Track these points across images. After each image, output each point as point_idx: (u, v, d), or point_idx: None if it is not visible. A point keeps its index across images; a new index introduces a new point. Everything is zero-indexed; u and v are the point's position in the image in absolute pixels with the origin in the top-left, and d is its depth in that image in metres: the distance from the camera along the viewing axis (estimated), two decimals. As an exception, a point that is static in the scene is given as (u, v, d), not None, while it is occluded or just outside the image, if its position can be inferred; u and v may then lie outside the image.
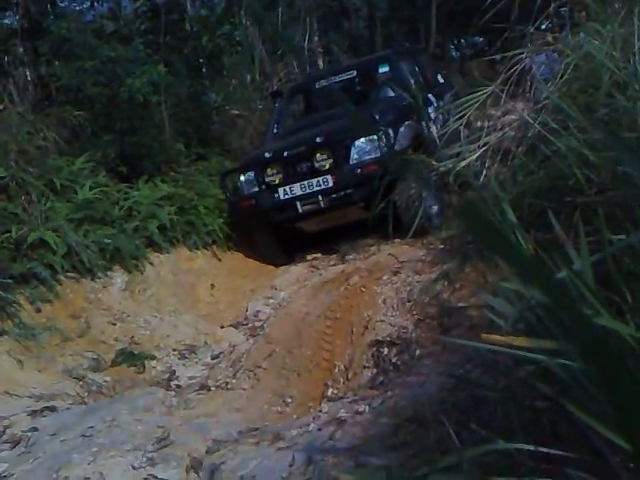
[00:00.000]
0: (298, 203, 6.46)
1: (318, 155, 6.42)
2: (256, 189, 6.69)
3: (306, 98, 8.74)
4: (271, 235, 6.92)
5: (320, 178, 6.35)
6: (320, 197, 6.37)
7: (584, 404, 1.17)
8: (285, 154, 6.61)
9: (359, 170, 6.25)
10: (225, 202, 7.10)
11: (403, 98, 6.65)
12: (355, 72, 8.02)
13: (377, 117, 6.45)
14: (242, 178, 6.83)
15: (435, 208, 6.40)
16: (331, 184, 6.33)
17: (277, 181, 6.58)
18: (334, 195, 6.36)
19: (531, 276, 0.49)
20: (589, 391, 1.18)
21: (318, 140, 6.46)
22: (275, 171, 6.61)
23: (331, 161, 6.38)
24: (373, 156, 6.30)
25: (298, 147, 6.62)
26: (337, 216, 6.59)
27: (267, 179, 6.63)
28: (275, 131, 7.84)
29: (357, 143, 6.38)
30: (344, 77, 8.01)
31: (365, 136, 6.30)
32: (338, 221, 6.68)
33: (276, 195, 6.52)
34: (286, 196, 6.49)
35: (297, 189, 6.45)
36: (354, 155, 6.38)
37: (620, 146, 0.48)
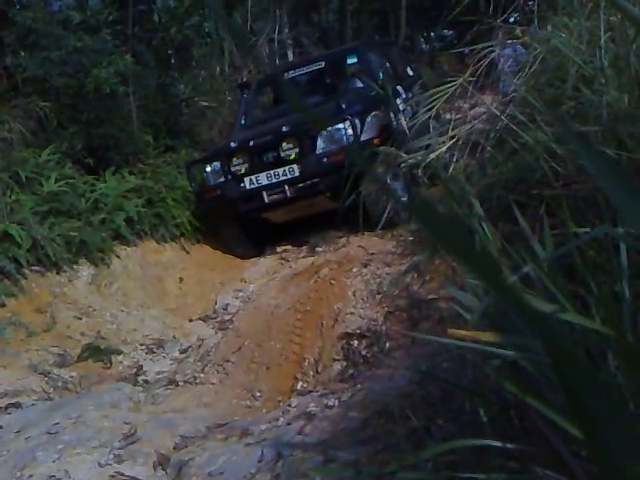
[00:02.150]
0: (264, 193, 6.43)
1: (284, 144, 6.39)
2: (222, 179, 6.65)
3: (274, 89, 8.71)
4: (238, 226, 6.89)
5: (286, 168, 6.34)
6: (286, 187, 6.35)
7: (549, 398, 1.17)
8: (251, 144, 6.57)
9: (325, 159, 6.25)
10: (192, 194, 7.04)
11: (371, 89, 6.67)
12: (323, 63, 8.01)
13: (344, 106, 6.44)
14: (208, 168, 6.77)
15: (405, 196, 6.42)
16: (297, 173, 6.33)
17: (243, 171, 6.55)
18: (300, 185, 6.35)
19: (487, 275, 0.48)
20: (554, 385, 1.18)
21: (284, 129, 6.42)
22: (241, 161, 6.57)
23: (297, 150, 6.36)
24: (339, 145, 6.28)
25: (264, 137, 6.58)
26: (304, 206, 6.57)
27: (233, 169, 6.59)
28: (243, 122, 7.80)
29: (323, 132, 6.35)
30: (312, 68, 8.00)
31: (333, 124, 6.29)
32: (305, 211, 6.67)
33: (242, 185, 6.50)
34: (252, 186, 6.46)
35: (263, 179, 6.43)
36: (320, 144, 6.37)
37: (577, 138, 0.48)
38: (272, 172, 6.39)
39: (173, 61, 9.41)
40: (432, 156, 3.14)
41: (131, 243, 6.31)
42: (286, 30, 15.64)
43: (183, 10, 9.09)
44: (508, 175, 2.45)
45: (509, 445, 1.27)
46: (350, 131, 6.27)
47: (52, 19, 8.03)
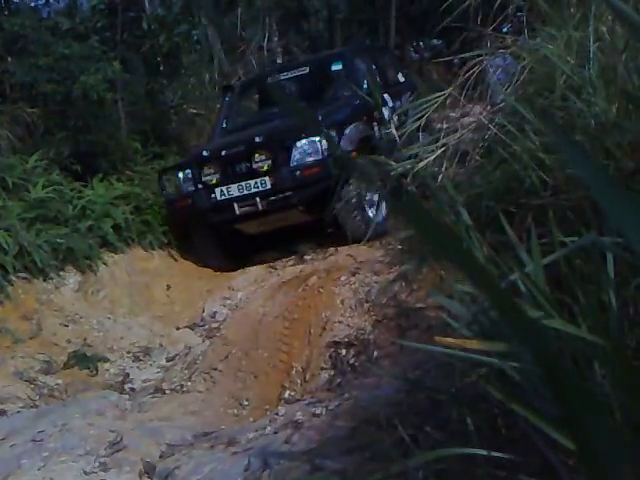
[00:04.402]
0: (235, 205, 6.24)
1: (257, 156, 6.19)
2: (193, 188, 6.44)
3: (258, 93, 8.56)
4: (211, 238, 6.66)
5: (258, 179, 6.15)
6: (258, 199, 6.16)
7: (536, 407, 1.17)
8: (223, 153, 6.38)
9: (298, 172, 6.08)
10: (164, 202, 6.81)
11: (356, 97, 6.52)
12: (308, 69, 7.74)
13: (320, 118, 6.20)
14: (180, 176, 6.54)
15: (383, 212, 6.23)
16: (269, 186, 6.13)
17: (214, 181, 6.34)
18: (272, 198, 6.16)
19: (479, 280, 0.48)
20: (542, 393, 1.18)
21: (257, 140, 6.27)
22: (212, 170, 6.37)
23: (270, 162, 6.15)
24: (314, 158, 6.10)
25: (237, 146, 6.42)
26: (277, 219, 6.40)
27: (204, 178, 6.38)
28: (224, 126, 7.59)
29: (298, 144, 6.16)
30: (296, 73, 7.75)
31: (307, 137, 6.13)
32: (279, 224, 6.50)
33: (213, 195, 6.30)
34: (223, 197, 6.27)
35: (234, 190, 6.23)
36: (295, 157, 6.17)
37: (569, 147, 0.48)
38: (244, 184, 6.19)
39: (162, 68, 9.39)
40: (421, 165, 3.15)
41: (118, 250, 6.29)
42: (276, 38, 15.70)
43: (172, 17, 9.11)
44: (496, 184, 2.47)
45: (496, 454, 1.27)
46: (325, 144, 6.08)
47: (41, 25, 8.04)
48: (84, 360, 4.90)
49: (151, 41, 8.88)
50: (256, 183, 6.15)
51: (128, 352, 5.21)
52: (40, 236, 5.63)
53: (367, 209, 6.26)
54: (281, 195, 6.14)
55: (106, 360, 5.03)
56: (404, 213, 0.47)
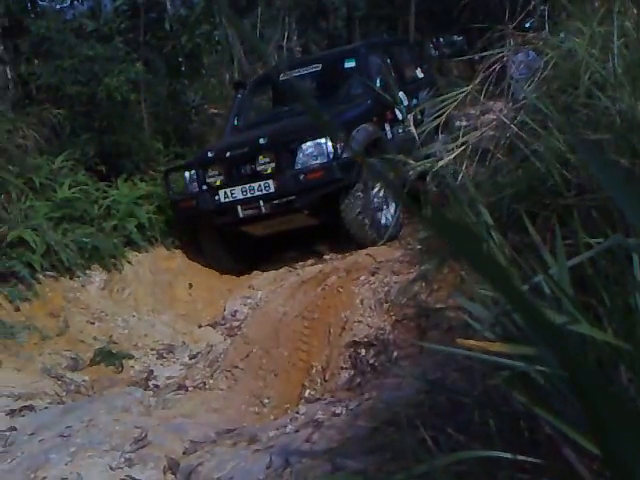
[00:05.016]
0: (239, 207, 6.09)
1: (261, 158, 6.05)
2: (197, 189, 6.33)
3: (271, 90, 8.38)
4: (217, 238, 6.51)
5: (262, 182, 5.99)
6: (261, 202, 6.01)
7: (560, 411, 1.18)
8: (227, 155, 6.25)
9: (302, 176, 5.91)
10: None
11: (368, 96, 6.44)
12: (320, 65, 7.46)
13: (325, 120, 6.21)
14: (186, 176, 6.45)
15: (393, 215, 6.21)
16: (272, 189, 5.97)
17: (218, 183, 6.21)
18: (276, 201, 6.00)
19: (500, 284, 0.49)
20: (565, 397, 1.19)
21: (261, 142, 6.12)
22: (217, 172, 6.24)
23: (274, 165, 6.00)
24: (320, 162, 5.95)
25: (241, 148, 6.27)
26: (281, 222, 6.24)
27: (208, 180, 6.26)
28: (235, 123, 7.43)
29: (303, 147, 6.01)
30: (309, 70, 7.46)
31: (312, 140, 5.99)
32: (284, 226, 6.34)
33: (216, 197, 6.15)
34: (227, 199, 6.11)
35: (238, 193, 6.07)
36: (299, 159, 6.01)
37: (584, 146, 0.49)
38: (247, 186, 6.04)
39: (183, 69, 9.47)
40: (440, 164, 3.14)
41: (142, 249, 6.38)
42: (295, 37, 15.74)
43: (194, 18, 9.17)
44: (518, 183, 2.44)
45: (519, 457, 1.27)
46: (331, 146, 5.92)
47: (65, 28, 8.14)
48: (110, 357, 4.98)
49: (173, 42, 8.96)
50: (260, 186, 6.00)
51: (152, 349, 5.29)
52: (67, 235, 5.73)
53: (375, 213, 6.14)
54: (285, 199, 6.00)
55: (131, 357, 5.11)
56: (423, 215, 0.48)
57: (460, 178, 2.94)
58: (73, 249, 5.66)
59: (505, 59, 3.25)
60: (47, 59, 7.64)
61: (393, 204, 6.28)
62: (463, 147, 3.18)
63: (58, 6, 9.12)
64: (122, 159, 7.60)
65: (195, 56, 9.22)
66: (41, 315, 5.20)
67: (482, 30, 3.53)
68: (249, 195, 6.05)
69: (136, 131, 8.04)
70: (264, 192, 6.00)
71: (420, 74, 7.95)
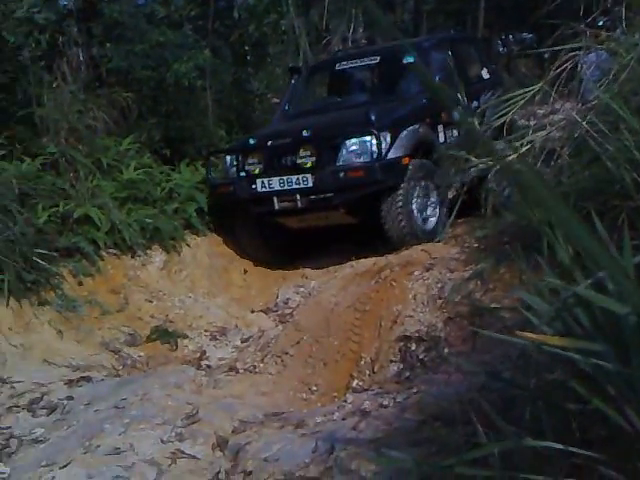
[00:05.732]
0: (275, 198, 5.97)
1: (302, 150, 5.90)
2: (236, 176, 6.25)
3: (326, 79, 8.15)
4: (253, 227, 6.40)
5: (300, 176, 5.84)
6: (298, 196, 5.88)
7: (619, 405, 1.17)
8: (269, 143, 6.13)
9: (342, 174, 5.77)
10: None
11: (424, 95, 6.19)
12: (378, 58, 7.12)
13: (373, 117, 5.84)
14: (227, 160, 6.39)
15: (435, 216, 6.11)
16: (310, 184, 5.83)
17: (257, 171, 6.11)
18: (313, 196, 5.87)
19: (585, 242, 0.51)
20: (624, 392, 1.19)
21: (305, 134, 5.95)
22: (256, 160, 6.14)
23: (314, 159, 5.86)
24: (362, 160, 5.81)
25: (284, 138, 6.14)
26: (318, 218, 6.13)
27: (247, 167, 6.16)
28: (286, 108, 7.24)
29: (347, 143, 5.85)
30: (366, 62, 7.17)
31: (358, 136, 5.84)
32: (320, 222, 6.20)
33: (254, 186, 6.04)
34: (263, 189, 6.00)
35: (275, 183, 5.95)
36: (342, 156, 5.86)
37: None
38: (285, 178, 5.91)
39: (249, 57, 9.58)
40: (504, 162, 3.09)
41: (200, 233, 6.51)
42: (361, 29, 15.68)
43: (262, 7, 9.26)
44: (585, 184, 2.40)
45: (572, 449, 1.27)
46: (376, 146, 5.76)
47: (138, 13, 8.32)
48: (165, 335, 5.15)
49: (240, 30, 9.09)
50: (298, 179, 5.86)
51: (206, 331, 5.42)
52: (130, 215, 5.93)
53: (415, 215, 5.99)
54: (322, 195, 5.86)
55: (185, 337, 5.25)
56: (520, 180, 0.50)
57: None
58: (136, 229, 5.84)
59: (576, 58, 3.19)
60: (119, 43, 7.83)
61: (438, 207, 6.14)
62: (528, 146, 3.14)
63: (131, -9, 9.35)
64: (185, 144, 7.75)
65: (261, 45, 9.32)
66: (102, 291, 5.41)
67: (554, 27, 3.46)
68: (286, 187, 5.93)
69: (200, 117, 8.18)
70: (302, 186, 5.88)
71: (486, 75, 7.53)
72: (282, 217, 6.25)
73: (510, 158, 3.03)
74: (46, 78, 6.46)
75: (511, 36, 18.61)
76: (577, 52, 3.19)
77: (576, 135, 2.82)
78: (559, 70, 3.15)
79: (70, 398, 3.84)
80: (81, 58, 8.13)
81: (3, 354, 4.30)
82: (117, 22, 7.90)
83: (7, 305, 4.65)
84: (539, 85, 3.16)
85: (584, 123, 2.65)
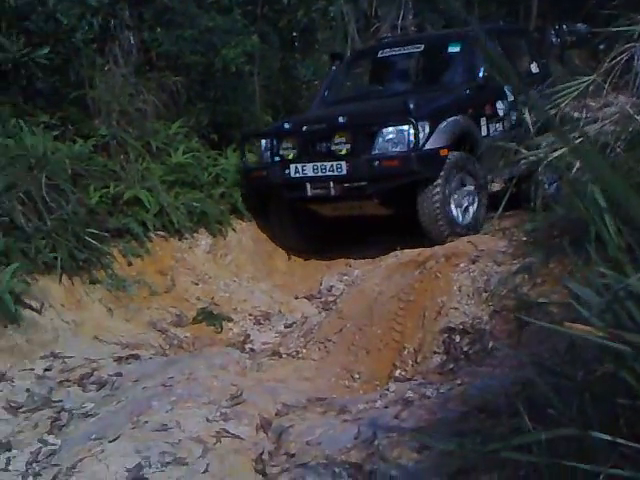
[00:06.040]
0: (308, 185, 5.92)
1: (337, 137, 5.82)
2: (269, 160, 6.22)
3: (368, 66, 8.03)
4: (287, 213, 6.36)
5: (334, 163, 5.78)
6: (331, 183, 5.83)
7: None
8: (304, 128, 6.08)
9: (377, 163, 5.68)
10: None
11: (467, 86, 6.16)
12: (422, 46, 7.03)
13: (411, 106, 5.68)
14: (262, 144, 6.35)
15: (473, 210, 6.02)
16: (344, 172, 5.76)
17: (291, 156, 6.05)
18: (346, 184, 5.81)
19: None
20: None
21: (340, 120, 5.86)
22: (291, 145, 6.09)
23: (349, 146, 5.78)
24: (399, 150, 5.70)
25: (319, 123, 6.10)
26: (351, 206, 6.07)
27: (282, 152, 6.11)
28: (325, 95, 7.17)
29: (384, 131, 5.75)
30: (410, 50, 7.10)
31: (395, 125, 5.74)
32: (353, 211, 6.13)
33: (287, 171, 5.99)
34: (297, 174, 5.95)
35: (309, 169, 5.89)
36: (377, 144, 5.77)
37: None
38: (319, 164, 5.83)
39: (297, 44, 9.57)
40: (555, 154, 3.05)
41: (245, 218, 6.60)
42: (410, 17, 15.50)
43: (312, -7, 9.23)
44: (638, 178, 2.37)
45: (620, 440, 1.27)
46: (413, 135, 5.65)
47: (188, -2, 8.39)
48: (211, 317, 5.25)
49: (289, 16, 9.07)
50: (332, 166, 5.79)
51: (250, 315, 5.51)
52: (178, 198, 6.05)
53: (452, 208, 5.91)
54: (355, 184, 5.79)
55: (230, 320, 5.35)
56: (582, 154, 0.51)
57: (575, 171, 2.87)
58: (183, 212, 5.96)
59: (632, 50, 3.13)
60: (169, 28, 7.90)
61: (476, 201, 6.06)
62: (580, 139, 3.09)
63: (181, -23, 9.41)
64: (233, 129, 7.81)
65: (309, 31, 9.28)
66: (151, 271, 5.54)
67: (609, 18, 3.39)
68: (320, 174, 5.87)
69: (247, 103, 8.22)
70: (335, 173, 5.81)
71: (535, 69, 7.32)
72: (315, 204, 6.22)
73: (561, 151, 2.99)
74: (98, 61, 6.56)
75: (565, 26, 18.20)
76: (633, 44, 3.12)
77: (630, 129, 2.76)
78: (614, 62, 3.08)
79: (119, 374, 3.95)
80: (132, 42, 8.23)
81: (55, 330, 4.42)
82: (167, 7, 7.97)
83: (60, 282, 4.78)
84: (592, 77, 3.10)
85: (638, 117, 2.61)
